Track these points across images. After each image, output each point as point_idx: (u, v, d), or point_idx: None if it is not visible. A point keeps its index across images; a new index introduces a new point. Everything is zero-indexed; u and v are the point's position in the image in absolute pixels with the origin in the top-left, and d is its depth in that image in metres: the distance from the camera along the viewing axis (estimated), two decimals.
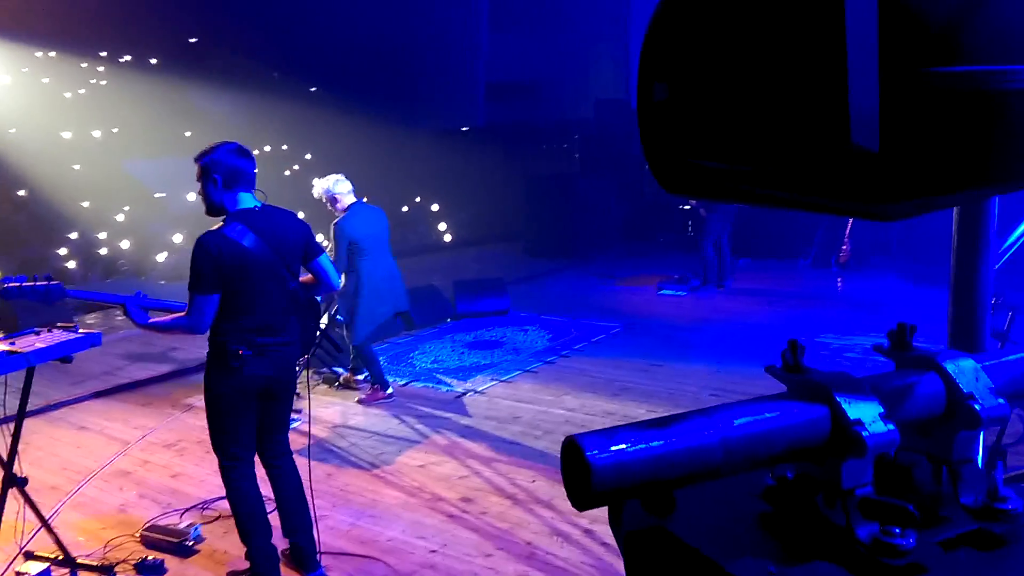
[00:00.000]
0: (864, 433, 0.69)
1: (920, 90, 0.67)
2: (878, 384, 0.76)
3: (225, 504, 4.37)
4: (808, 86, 0.64)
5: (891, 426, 0.70)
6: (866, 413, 0.71)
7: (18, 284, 3.54)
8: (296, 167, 19.79)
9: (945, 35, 0.66)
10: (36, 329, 3.85)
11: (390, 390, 5.99)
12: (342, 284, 5.13)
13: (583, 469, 0.64)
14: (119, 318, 9.34)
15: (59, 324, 3.94)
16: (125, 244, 13.79)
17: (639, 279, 11.02)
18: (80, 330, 3.90)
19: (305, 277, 3.52)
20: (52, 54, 19.92)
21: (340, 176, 5.71)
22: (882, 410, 0.71)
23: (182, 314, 3.25)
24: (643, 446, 0.66)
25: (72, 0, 18.51)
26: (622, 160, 13.84)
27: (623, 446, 0.65)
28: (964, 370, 0.76)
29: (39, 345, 3.59)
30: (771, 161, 0.70)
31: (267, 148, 20.30)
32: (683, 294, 9.89)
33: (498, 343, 7.72)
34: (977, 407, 0.74)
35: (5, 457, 3.57)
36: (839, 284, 10.19)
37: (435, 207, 17.55)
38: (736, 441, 0.68)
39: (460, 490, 4.49)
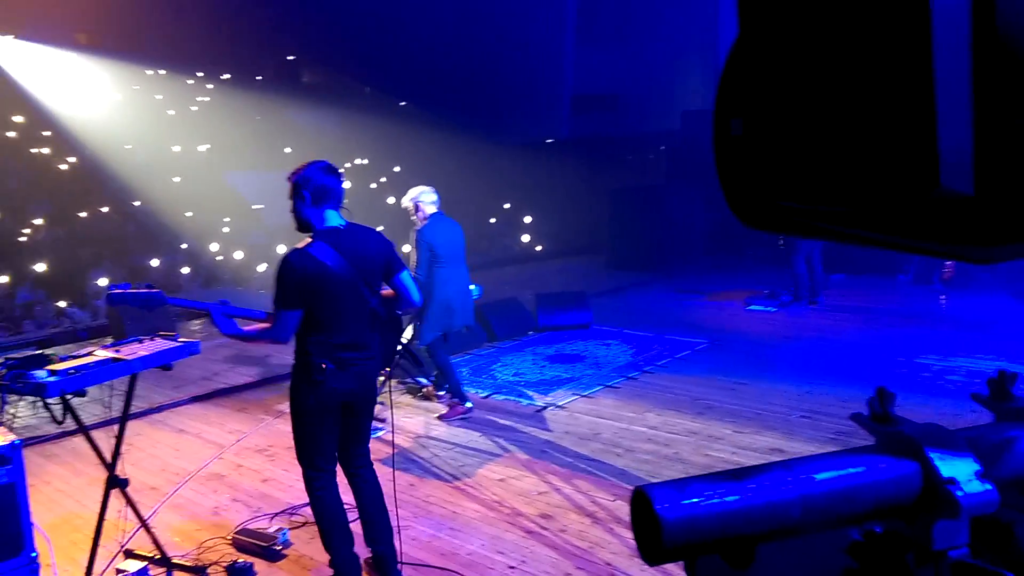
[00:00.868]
0: (959, 493, 0.65)
1: (1020, 131, 0.62)
2: (975, 438, 0.71)
3: (311, 511, 4.51)
4: (894, 125, 0.61)
5: (988, 485, 0.66)
6: (961, 471, 0.66)
7: (122, 291, 3.77)
8: (384, 179, 20.30)
9: None
10: (140, 337, 4.06)
11: (469, 404, 6.03)
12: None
13: (653, 523, 0.62)
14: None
15: (161, 332, 4.14)
16: (235, 254, 14.38)
17: (726, 294, 10.77)
18: (180, 338, 4.08)
19: (387, 292, 3.59)
20: (162, 72, 21.13)
21: (429, 188, 5.86)
22: (979, 468, 0.67)
23: (267, 325, 3.40)
24: (716, 500, 0.63)
25: (179, 21, 19.58)
26: (709, 172, 13.43)
27: (695, 499, 0.63)
28: None
29: (141, 353, 3.78)
30: (855, 202, 0.66)
31: (358, 161, 20.90)
32: (772, 310, 9.60)
33: (580, 357, 7.68)
34: None
35: (109, 459, 3.77)
36: (942, 302, 9.68)
37: (519, 219, 17.65)
38: (817, 498, 0.65)
39: (540, 506, 4.48)
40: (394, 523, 3.74)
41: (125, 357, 3.69)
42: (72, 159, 16.85)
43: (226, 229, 15.34)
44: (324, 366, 3.27)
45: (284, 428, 6.00)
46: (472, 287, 6.13)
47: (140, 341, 4.01)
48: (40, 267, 12.09)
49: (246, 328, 3.52)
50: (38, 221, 14.47)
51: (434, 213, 5.77)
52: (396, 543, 3.71)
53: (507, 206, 18.55)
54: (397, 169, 21.06)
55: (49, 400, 3.37)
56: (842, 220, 0.74)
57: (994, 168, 0.62)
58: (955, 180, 0.60)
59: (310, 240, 3.31)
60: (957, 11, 0.61)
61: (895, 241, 0.72)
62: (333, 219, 3.38)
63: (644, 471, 4.90)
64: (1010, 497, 0.75)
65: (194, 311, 3.89)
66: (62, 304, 10.85)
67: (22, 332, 9.93)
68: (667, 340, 8.24)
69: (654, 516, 0.62)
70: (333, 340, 3.29)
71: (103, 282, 11.61)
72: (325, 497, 3.51)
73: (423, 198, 5.75)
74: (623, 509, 4.36)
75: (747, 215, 0.82)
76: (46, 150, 16.88)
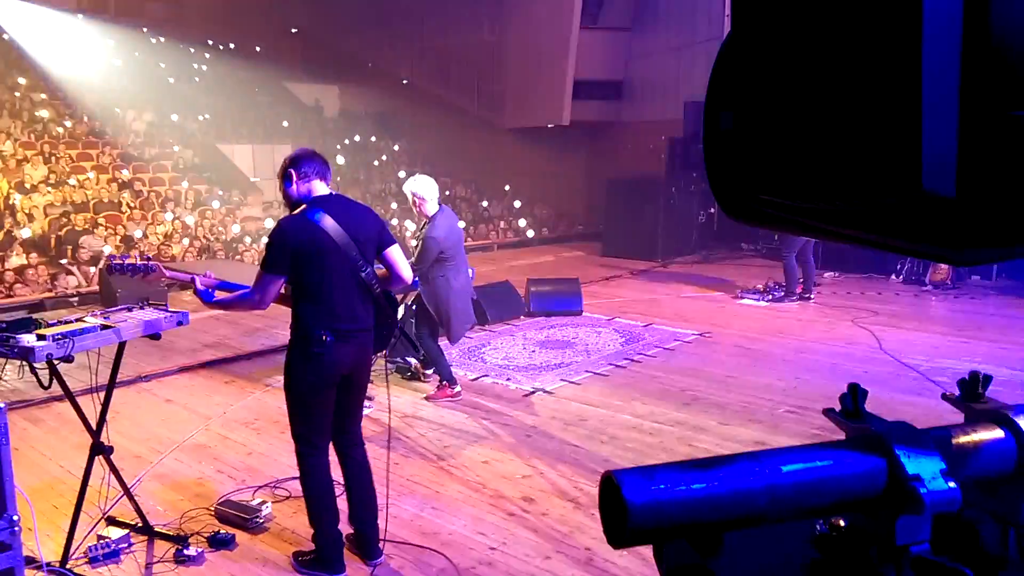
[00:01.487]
0: (922, 490, 0.66)
1: (1006, 134, 0.63)
2: (942, 438, 0.71)
3: (295, 485, 4.51)
4: (879, 126, 0.61)
5: (953, 484, 0.67)
6: (926, 469, 0.67)
7: (121, 262, 3.81)
8: (384, 157, 20.23)
9: None
10: (130, 306, 4.05)
11: (458, 388, 6.04)
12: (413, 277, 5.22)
13: (620, 507, 0.63)
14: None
15: (151, 302, 4.14)
16: (224, 228, 14.32)
17: (718, 286, 10.80)
18: (171, 308, 4.08)
19: (380, 271, 3.57)
20: (163, 40, 20.94)
21: (428, 180, 5.70)
22: (944, 466, 0.68)
23: (247, 289, 3.41)
24: (683, 487, 0.64)
25: None
26: None
27: (662, 486, 0.64)
28: None
29: (131, 321, 3.78)
30: (837, 200, 0.67)
31: (357, 138, 20.81)
32: (764, 304, 9.64)
33: (570, 344, 7.70)
34: None
35: (94, 426, 3.77)
36: (933, 303, 9.73)
37: (517, 204, 17.62)
38: (782, 489, 0.66)
39: (523, 489, 4.51)
40: (382, 502, 3.76)
41: (114, 325, 3.69)
42: (69, 123, 16.73)
43: (220, 202, 15.26)
44: (324, 337, 3.24)
45: (271, 402, 6.01)
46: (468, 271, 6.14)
47: (130, 309, 4.00)
48: (34, 231, 12.04)
49: (225, 296, 3.55)
50: (36, 182, 14.37)
51: (438, 210, 5.65)
52: (380, 521, 3.73)
53: (505, 189, 18.52)
54: (396, 148, 21.00)
55: (36, 365, 3.36)
56: (820, 216, 0.75)
57: (976, 171, 0.62)
58: (937, 183, 0.61)
59: (304, 208, 3.33)
60: (948, 12, 0.61)
61: (872, 239, 0.73)
62: (321, 188, 3.41)
63: (628, 459, 4.93)
64: (974, 497, 0.76)
65: (182, 281, 3.88)
66: (54, 270, 10.80)
67: (13, 296, 9.90)
68: (657, 330, 8.27)
69: (621, 500, 0.63)
70: (330, 309, 3.28)
71: (104, 249, 11.58)
72: (316, 473, 3.50)
73: (425, 193, 5.57)
74: None
75: (731, 206, 0.83)
76: (45, 113, 16.74)
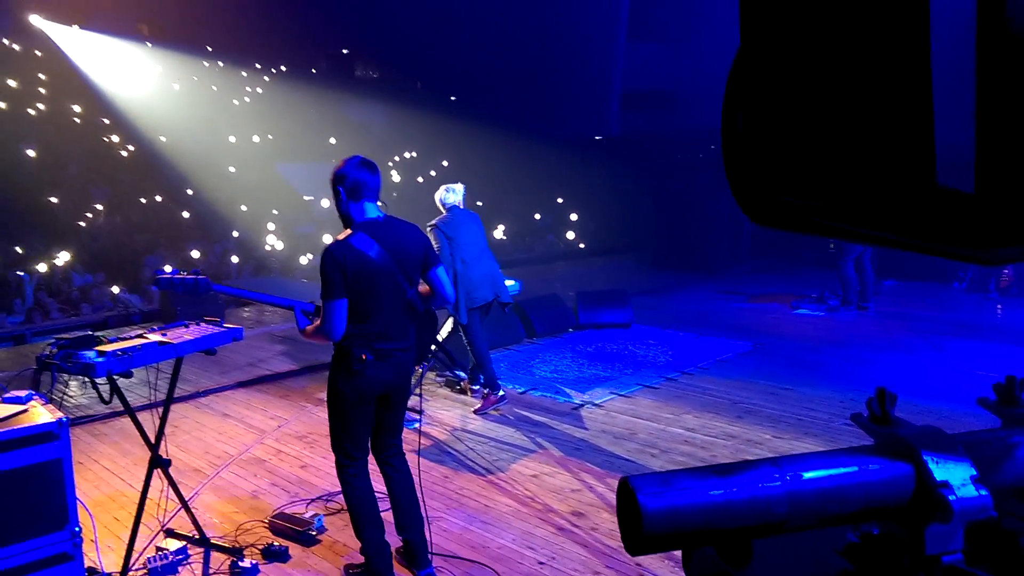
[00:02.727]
0: (951, 497, 0.64)
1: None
2: (974, 443, 0.69)
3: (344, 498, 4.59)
4: (892, 121, 0.60)
5: (983, 491, 0.64)
6: (955, 475, 0.65)
7: (169, 276, 3.85)
8: (433, 173, 20.46)
9: None
10: (186, 322, 4.17)
11: (501, 392, 6.07)
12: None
13: (635, 512, 0.63)
14: (266, 313, 9.96)
15: (206, 318, 4.25)
16: (278, 245, 14.63)
17: (772, 297, 10.60)
18: (226, 324, 4.18)
19: (422, 288, 3.61)
20: (220, 64, 21.63)
21: (454, 185, 6.04)
22: (974, 472, 0.65)
23: (318, 322, 3.42)
24: (700, 493, 0.63)
25: (239, 14, 20.01)
26: None
27: (678, 491, 0.63)
28: None
29: (187, 337, 3.88)
30: (853, 198, 0.66)
31: (407, 155, 21.10)
32: (820, 314, 9.42)
33: (619, 356, 7.64)
34: None
35: (153, 440, 3.88)
36: (998, 312, 9.38)
37: (565, 216, 17.61)
38: (804, 495, 0.64)
39: (572, 503, 4.48)
40: (424, 513, 3.77)
41: (171, 341, 3.80)
42: (131, 147, 17.36)
43: (272, 223, 15.63)
44: (364, 357, 3.33)
45: (324, 416, 6.06)
46: (511, 282, 6.16)
47: (186, 326, 4.11)
48: (98, 251, 12.50)
49: (312, 327, 3.51)
50: (98, 207, 14.94)
51: (452, 206, 5.91)
52: (427, 534, 3.75)
53: (553, 202, 18.53)
54: (445, 163, 21.21)
55: (97, 380, 3.47)
56: (843, 217, 0.73)
57: (995, 166, 0.61)
58: (953, 178, 0.59)
59: (350, 232, 3.37)
60: (960, 5, 0.60)
61: (896, 240, 0.71)
62: (371, 212, 3.43)
63: None
64: (1014, 506, 0.74)
65: (266, 303, 3.94)
66: (116, 289, 11.19)
67: (79, 314, 10.28)
68: (709, 342, 8.15)
69: (636, 505, 0.62)
70: (372, 330, 3.34)
71: (165, 268, 11.97)
72: (357, 484, 3.56)
73: (446, 197, 5.97)
74: None
75: (754, 211, 0.82)
76: (107, 138, 17.42)
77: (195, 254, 13.23)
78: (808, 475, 0.65)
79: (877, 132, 0.61)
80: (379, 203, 3.51)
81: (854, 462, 0.67)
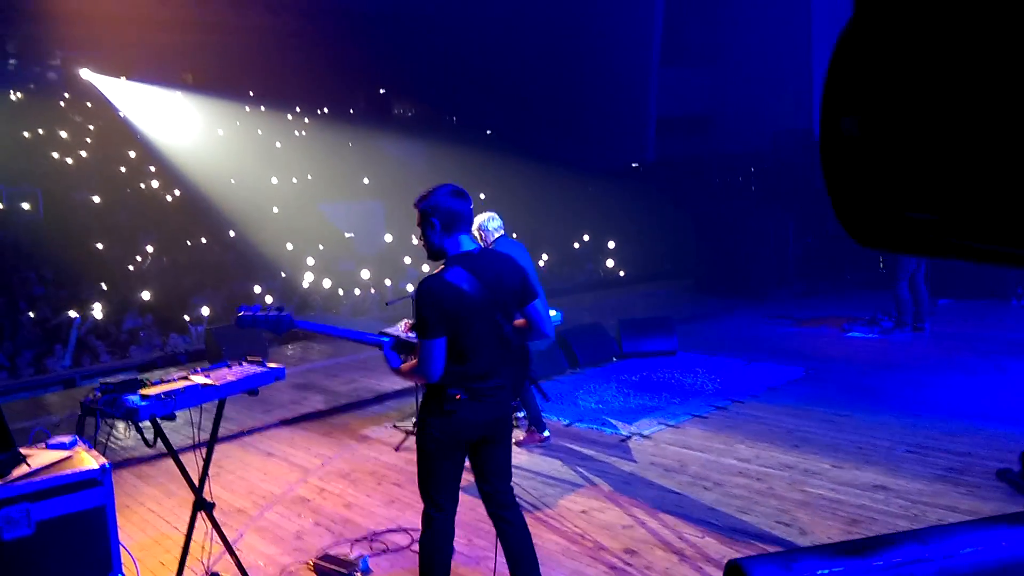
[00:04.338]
0: None
1: None
2: None
3: (392, 537, 4.49)
4: (1013, 122, 0.49)
5: None
6: None
7: (251, 314, 3.61)
8: (471, 206, 20.55)
9: None
10: (228, 363, 4.15)
11: (546, 432, 5.91)
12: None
13: None
14: (313, 350, 9.97)
15: (248, 358, 4.22)
16: (323, 283, 14.72)
17: (822, 320, 10.30)
18: (268, 363, 4.14)
19: (518, 322, 3.37)
20: (262, 109, 22.15)
21: (492, 214, 5.82)
22: None
23: (415, 361, 3.19)
24: None
25: (279, 60, 20.50)
26: (802, 192, 13.11)
27: None
28: None
29: (229, 378, 3.85)
30: (986, 212, 0.55)
31: None
32: (873, 337, 9.12)
33: (666, 385, 7.45)
34: None
35: (197, 482, 3.84)
36: None
37: (604, 244, 17.49)
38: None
39: (623, 540, 4.31)
40: (477, 554, 3.58)
41: (214, 382, 3.77)
42: (177, 192, 17.76)
43: (313, 260, 15.78)
44: (458, 396, 3.11)
45: (367, 453, 6.03)
46: (553, 313, 6.03)
47: (228, 366, 4.09)
48: (146, 295, 12.72)
49: (406, 365, 3.31)
50: (148, 249, 15.26)
51: (498, 237, 5.73)
52: (474, 575, 3.60)
53: (593, 231, 18.43)
54: (483, 196, 21.28)
55: (141, 424, 3.45)
56: (982, 235, 0.62)
57: None
58: None
59: (444, 266, 3.14)
60: None
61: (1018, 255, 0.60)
62: (467, 244, 3.21)
63: (735, 506, 4.66)
64: None
65: (349, 340, 3.74)
66: (164, 330, 11.35)
67: (129, 357, 10.43)
68: (758, 368, 7.91)
69: None
70: (467, 370, 3.13)
71: (205, 311, 12.11)
72: (436, 540, 3.28)
73: (488, 224, 5.69)
74: (712, 546, 4.15)
75: (863, 231, 0.71)
76: (154, 184, 17.85)
77: (250, 293, 13.38)
78: (962, 552, 0.54)
79: (1002, 132, 0.51)
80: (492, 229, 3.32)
81: (1016, 534, 0.55)
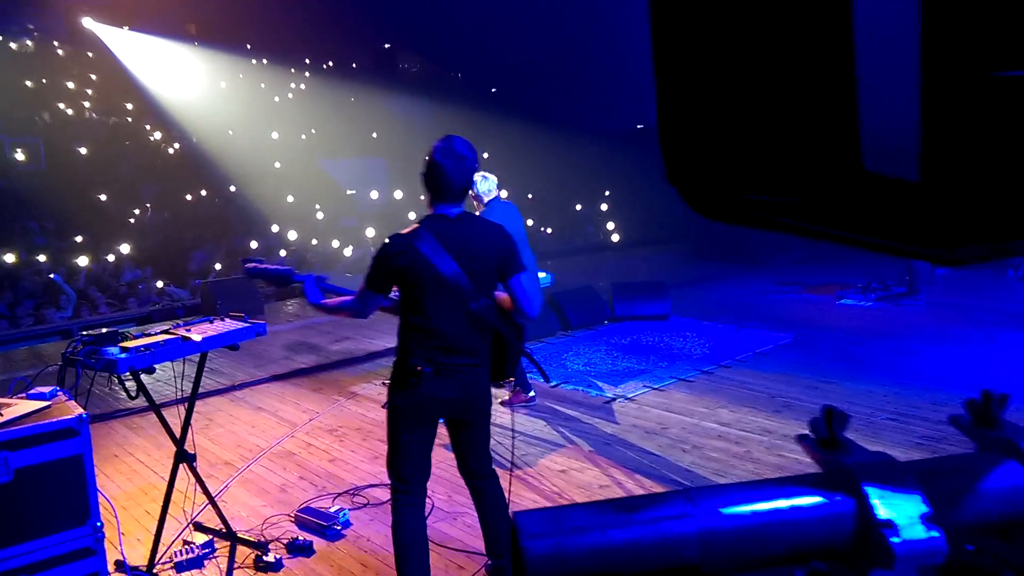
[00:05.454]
0: (894, 539, 0.54)
1: (985, 101, 0.51)
2: (934, 474, 0.59)
3: (373, 492, 4.58)
4: (816, 105, 0.50)
5: (935, 532, 0.55)
6: (903, 513, 0.55)
7: (256, 264, 3.65)
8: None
9: (1016, 26, 0.49)
10: (211, 318, 4.19)
11: (532, 393, 5.97)
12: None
13: (518, 557, 0.54)
14: (292, 302, 10.06)
15: (231, 313, 4.26)
16: (327, 239, 14.75)
17: (819, 288, 10.29)
18: (250, 319, 4.18)
19: (502, 297, 3.16)
20: (264, 61, 21.94)
21: (484, 173, 5.62)
22: (926, 510, 0.56)
23: (351, 297, 3.20)
24: (596, 534, 0.55)
25: (283, 11, 20.26)
26: None
27: (570, 532, 0.55)
28: None
29: (210, 332, 3.89)
30: (796, 192, 0.56)
31: None
32: (867, 304, 9.12)
33: (654, 349, 7.49)
34: None
35: (179, 435, 3.91)
36: None
37: (604, 207, 17.42)
38: (721, 535, 0.55)
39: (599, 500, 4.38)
40: (455, 510, 3.58)
41: (193, 337, 3.81)
42: (178, 145, 17.72)
43: (320, 215, 15.78)
44: (420, 368, 2.95)
45: (355, 410, 6.11)
46: (542, 275, 6.04)
47: (211, 321, 4.13)
48: (146, 247, 12.78)
49: (330, 300, 3.33)
50: (147, 204, 15.28)
51: (491, 200, 5.57)
52: (451, 530, 3.66)
53: (593, 193, 18.35)
54: (486, 155, 21.17)
55: (122, 376, 3.50)
56: (796, 213, 0.63)
57: (949, 148, 0.51)
58: (890, 165, 0.50)
59: (416, 226, 2.97)
60: None
61: (855, 239, 0.62)
62: (452, 210, 3.01)
63: (711, 469, 4.73)
64: (990, 544, 0.63)
65: (283, 278, 3.68)
66: (161, 283, 11.41)
67: (126, 308, 10.51)
68: (748, 334, 7.94)
69: (519, 549, 0.54)
70: (430, 339, 2.96)
71: (217, 266, 12.18)
72: (406, 522, 3.09)
73: (479, 187, 5.48)
74: None
75: (698, 203, 0.73)
76: (156, 136, 17.80)
77: (247, 247, 13.42)
78: (727, 511, 0.56)
79: (804, 115, 0.52)
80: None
81: (785, 495, 0.58)
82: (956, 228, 0.53)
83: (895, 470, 0.58)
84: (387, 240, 2.99)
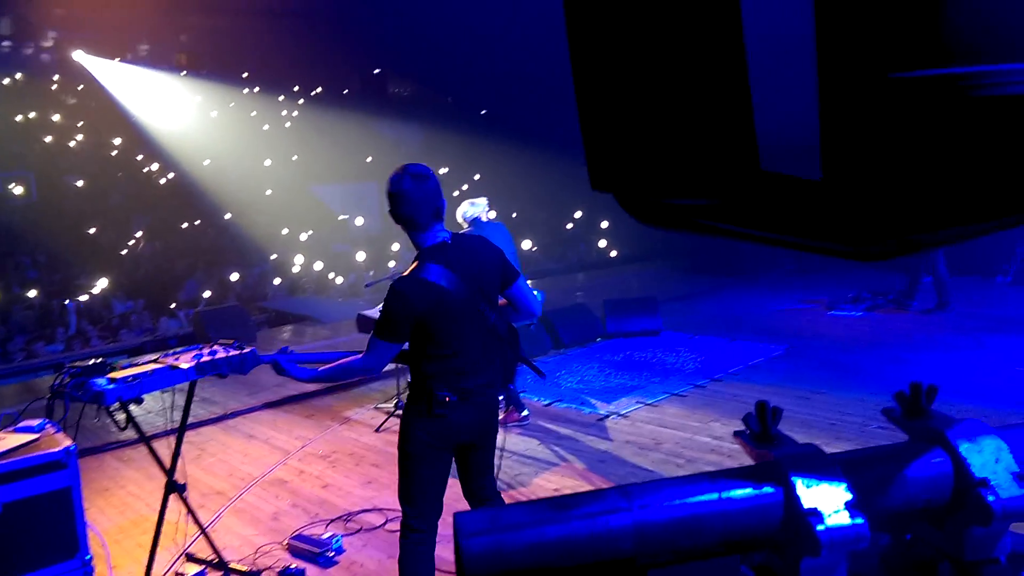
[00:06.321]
0: (819, 527, 0.56)
1: (888, 101, 0.53)
2: (859, 463, 0.61)
3: (366, 517, 4.56)
4: (713, 107, 0.53)
5: (859, 519, 0.57)
6: (828, 501, 0.57)
7: (211, 358, 3.64)
8: (465, 187, 20.54)
9: (912, 29, 0.52)
10: (200, 346, 4.19)
11: (525, 412, 5.98)
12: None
13: (458, 555, 0.56)
14: (306, 335, 10.04)
15: (220, 341, 4.26)
16: (315, 265, 14.75)
17: (811, 300, 10.33)
18: (245, 347, 4.17)
19: (500, 302, 3.13)
20: (256, 90, 22.07)
21: (473, 200, 5.85)
22: (851, 498, 0.58)
23: (356, 356, 3.01)
24: (533, 530, 0.57)
25: (273, 40, 20.40)
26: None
27: (506, 530, 0.57)
28: (982, 448, 0.60)
29: (199, 361, 3.89)
30: (702, 193, 0.59)
31: (441, 170, 21.23)
32: (857, 315, 9.16)
33: (647, 364, 7.51)
34: (991, 498, 0.57)
35: (168, 465, 3.89)
36: None
37: (596, 224, 17.50)
38: (654, 527, 0.57)
39: None
40: (449, 532, 3.54)
41: (181, 366, 3.81)
42: (171, 175, 17.77)
43: (309, 239, 15.80)
44: (447, 399, 2.87)
45: (347, 435, 6.10)
46: (535, 293, 6.06)
47: (200, 349, 4.13)
48: (138, 278, 12.78)
49: (323, 368, 3.12)
50: (139, 234, 15.30)
51: (474, 219, 5.73)
52: (449, 554, 3.64)
53: (585, 210, 18.43)
54: (477, 177, 21.27)
55: (110, 408, 3.49)
56: (714, 215, 0.66)
57: (845, 151, 0.53)
58: (787, 165, 0.52)
59: (417, 264, 2.86)
60: None
61: (768, 237, 0.64)
62: (439, 233, 2.93)
63: None
64: (922, 530, 0.65)
65: (259, 362, 3.60)
66: (155, 314, 11.40)
67: (119, 340, 10.50)
68: (740, 347, 7.97)
69: (458, 547, 0.56)
70: (454, 368, 2.89)
71: (204, 295, 12.18)
72: (417, 556, 2.96)
73: (467, 211, 5.72)
74: None
75: (634, 209, 0.75)
76: (147, 167, 17.85)
77: (234, 277, 13.44)
78: (660, 504, 0.58)
79: (697, 121, 0.55)
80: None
81: (717, 488, 0.60)
82: (861, 224, 0.55)
83: (822, 461, 0.60)
84: (398, 289, 2.81)
